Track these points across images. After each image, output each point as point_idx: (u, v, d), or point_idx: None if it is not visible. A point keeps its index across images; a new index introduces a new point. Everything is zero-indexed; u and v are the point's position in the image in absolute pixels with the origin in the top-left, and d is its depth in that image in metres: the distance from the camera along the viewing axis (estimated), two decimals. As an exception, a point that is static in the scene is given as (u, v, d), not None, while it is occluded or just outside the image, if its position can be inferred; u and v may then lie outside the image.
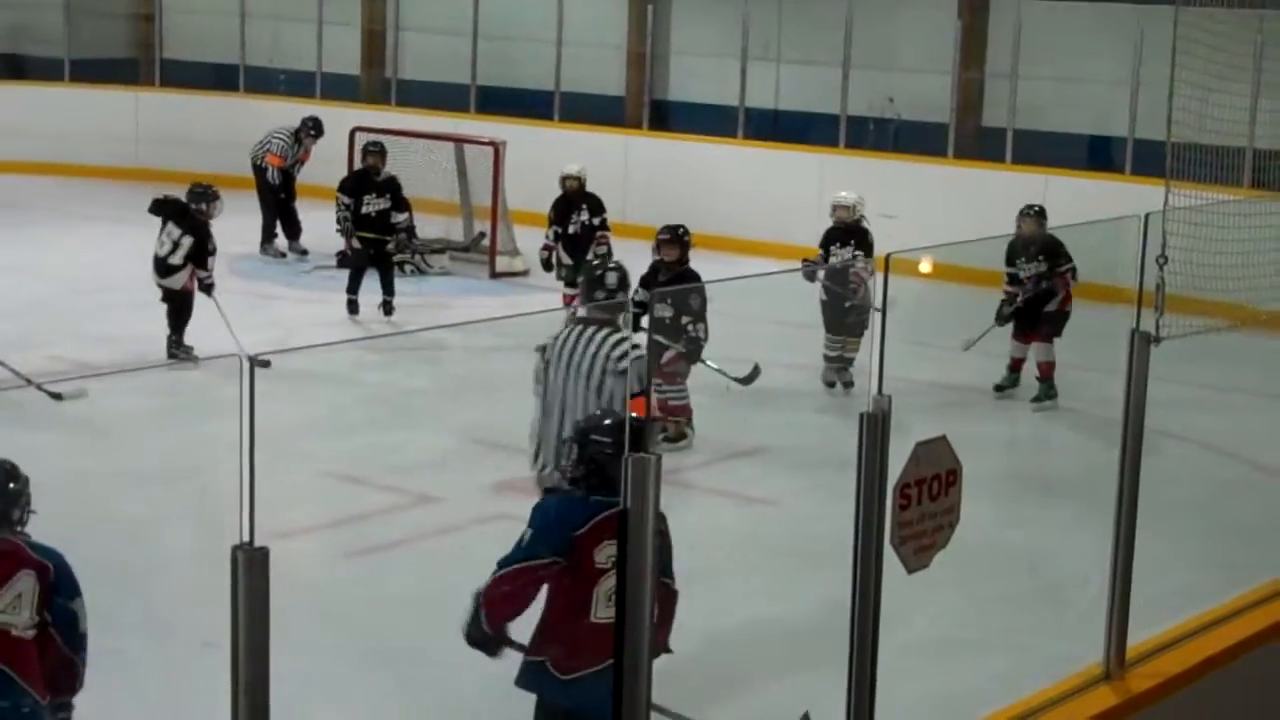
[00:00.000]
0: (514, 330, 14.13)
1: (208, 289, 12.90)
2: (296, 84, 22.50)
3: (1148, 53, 16.78)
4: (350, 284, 15.18)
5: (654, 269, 11.66)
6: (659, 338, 10.77)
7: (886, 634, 4.27)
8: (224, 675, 3.27)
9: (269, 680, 3.25)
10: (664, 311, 11.02)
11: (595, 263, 13.10)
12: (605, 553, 5.30)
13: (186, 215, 13.03)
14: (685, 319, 10.76)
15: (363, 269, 15.21)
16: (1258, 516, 9.51)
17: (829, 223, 13.81)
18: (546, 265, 14.89)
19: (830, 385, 13.11)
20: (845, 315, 12.91)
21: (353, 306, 15.09)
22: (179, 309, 12.98)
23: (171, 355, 12.65)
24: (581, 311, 8.78)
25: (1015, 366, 12.94)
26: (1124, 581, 5.20)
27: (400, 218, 15.39)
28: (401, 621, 8.02)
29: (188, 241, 12.88)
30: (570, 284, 14.51)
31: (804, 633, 7.99)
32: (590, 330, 8.00)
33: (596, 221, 14.83)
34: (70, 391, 9.86)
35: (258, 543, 3.22)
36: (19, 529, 5.40)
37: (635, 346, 8.10)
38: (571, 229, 14.80)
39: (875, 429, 4.17)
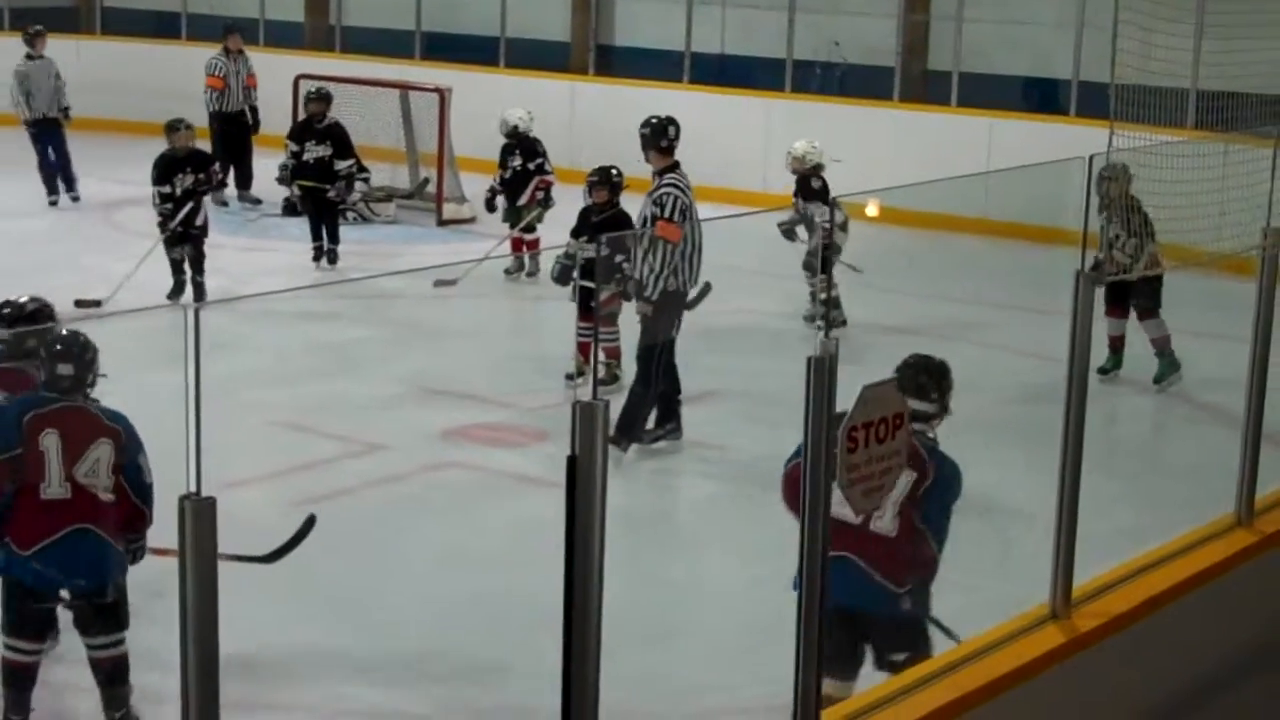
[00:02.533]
0: (458, 277, 14.15)
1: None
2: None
3: (1092, -7, 16.83)
4: (313, 232, 15.18)
5: (585, 212, 11.67)
6: (589, 283, 10.77)
7: (835, 576, 4.29)
8: (175, 626, 3.26)
9: (218, 630, 3.25)
10: (589, 253, 11.00)
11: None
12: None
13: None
14: (619, 258, 10.74)
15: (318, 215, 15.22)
16: (1200, 455, 9.59)
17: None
18: (488, 206, 15.21)
19: (808, 320, 13.33)
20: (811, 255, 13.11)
21: (316, 253, 15.10)
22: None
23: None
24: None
25: (1116, 346, 11.65)
26: (1069, 522, 5.24)
27: (343, 165, 15.32)
28: (351, 569, 8.02)
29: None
30: (512, 226, 15.06)
31: (754, 576, 8.03)
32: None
33: (533, 166, 14.99)
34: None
35: (205, 493, 3.21)
36: (90, 393, 6.36)
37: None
38: (507, 173, 15.06)
39: (822, 372, 4.18)
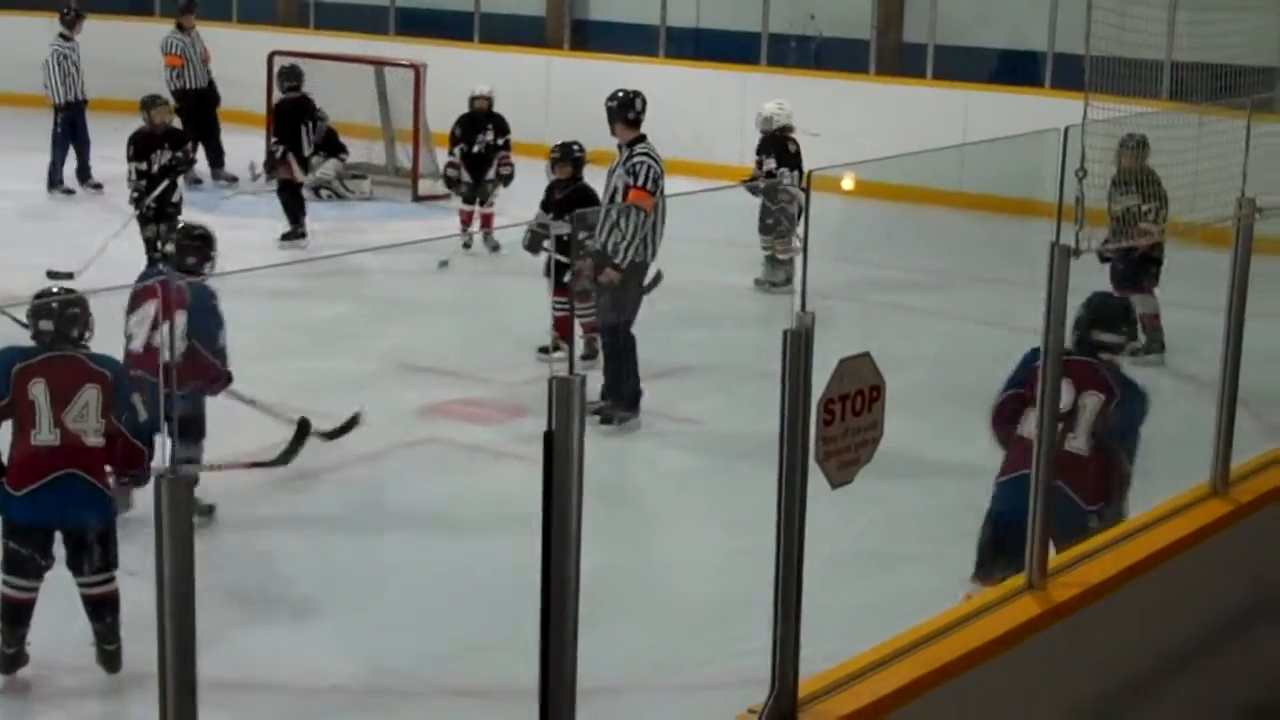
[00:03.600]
0: (437, 253, 14.14)
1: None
2: (212, 8, 22.18)
3: (1066, -34, 16.84)
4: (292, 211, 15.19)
5: (550, 188, 11.67)
6: (562, 258, 10.79)
7: (811, 550, 4.30)
8: (150, 603, 3.26)
9: (195, 607, 3.25)
10: (561, 229, 11.03)
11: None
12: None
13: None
14: (584, 235, 10.74)
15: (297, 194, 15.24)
16: (1177, 426, 9.60)
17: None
18: (452, 183, 15.22)
19: (759, 284, 13.53)
20: (770, 218, 13.39)
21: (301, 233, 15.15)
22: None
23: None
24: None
25: (1151, 324, 11.50)
26: (1046, 492, 5.25)
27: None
28: (328, 544, 8.02)
29: None
30: (469, 201, 15.06)
31: (730, 549, 8.04)
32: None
33: (500, 142, 15.09)
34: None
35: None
36: (81, 346, 6.76)
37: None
38: (476, 148, 15.08)
39: (799, 346, 4.18)
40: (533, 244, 11.36)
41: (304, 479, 9.21)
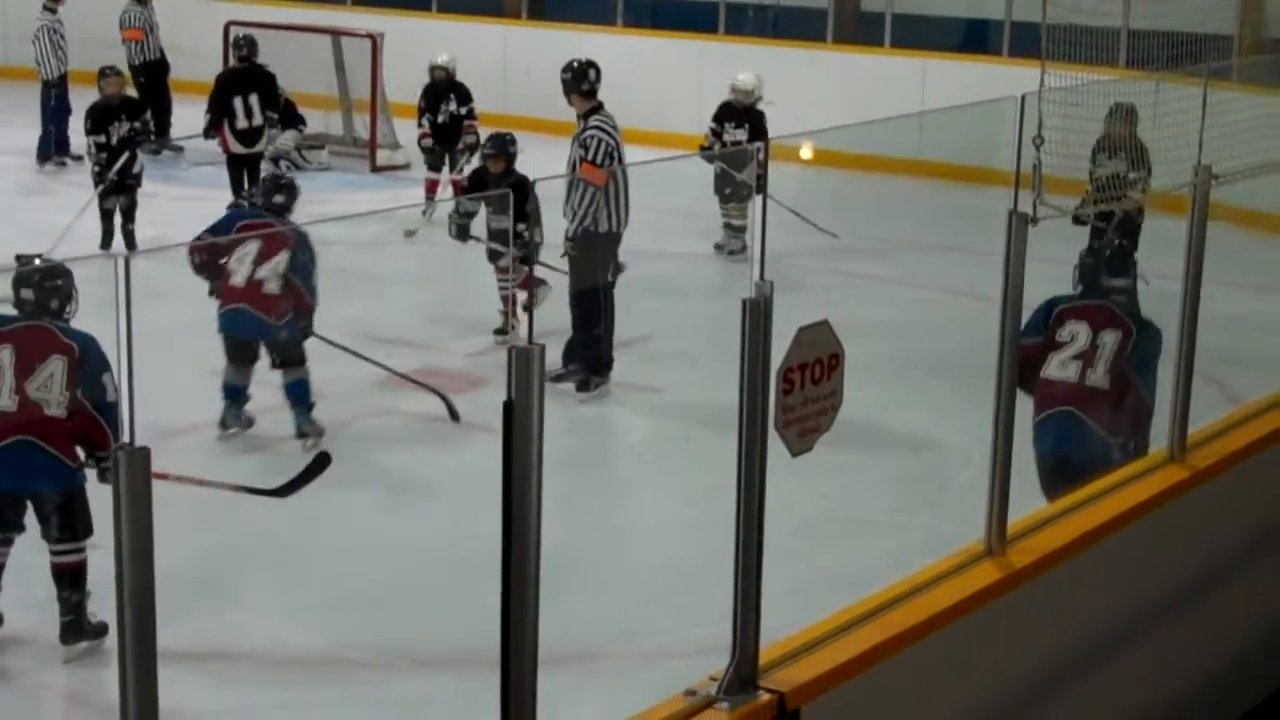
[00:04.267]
0: (398, 222, 14.10)
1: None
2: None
3: (1023, -67, 16.87)
4: (233, 186, 15.11)
5: (480, 180, 11.64)
6: (496, 245, 11.01)
7: (772, 519, 4.31)
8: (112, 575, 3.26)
9: (154, 583, 3.24)
10: (501, 223, 11.06)
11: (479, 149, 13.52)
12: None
13: None
14: (520, 226, 10.82)
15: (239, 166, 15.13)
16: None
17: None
18: (428, 153, 15.26)
19: (718, 249, 13.56)
20: (730, 185, 13.34)
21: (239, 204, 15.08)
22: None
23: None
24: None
25: None
26: (1004, 459, 5.27)
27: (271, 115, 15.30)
28: (292, 516, 8.01)
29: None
30: (434, 169, 15.15)
31: (691, 521, 8.07)
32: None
33: (464, 111, 15.15)
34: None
35: (139, 442, 3.20)
36: (58, 320, 6.81)
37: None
38: (440, 118, 15.15)
39: (758, 315, 4.19)
40: (460, 234, 11.38)
41: (266, 450, 9.20)
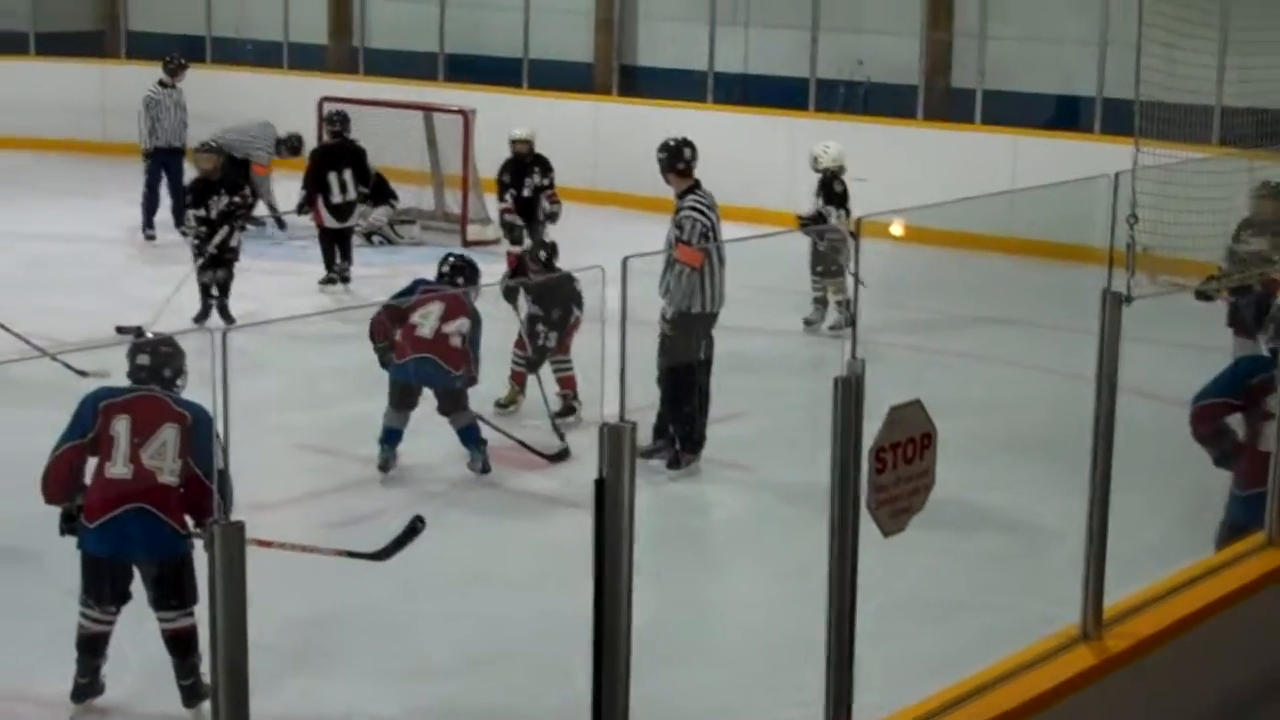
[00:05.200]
0: (487, 297, 14.15)
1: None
2: (263, 54, 22.39)
3: (1114, 11, 16.82)
4: (325, 258, 15.28)
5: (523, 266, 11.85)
6: (523, 329, 11.22)
7: (864, 597, 4.27)
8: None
9: (248, 654, 3.25)
10: (535, 313, 11.10)
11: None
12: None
13: None
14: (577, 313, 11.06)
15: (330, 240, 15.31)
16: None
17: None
18: (511, 228, 15.23)
19: (809, 324, 13.50)
20: (822, 261, 13.43)
21: (328, 279, 15.21)
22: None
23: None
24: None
25: None
26: (1099, 541, 5.21)
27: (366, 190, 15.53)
28: (377, 591, 8.02)
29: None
30: (517, 243, 15.00)
31: (781, 599, 8.02)
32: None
33: (545, 182, 15.21)
34: (95, 370, 9.81)
35: (235, 515, 3.22)
36: (170, 389, 6.95)
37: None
38: (526, 192, 15.17)
39: (849, 393, 4.17)
40: (508, 294, 11.47)
41: (354, 520, 9.23)
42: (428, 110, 18.59)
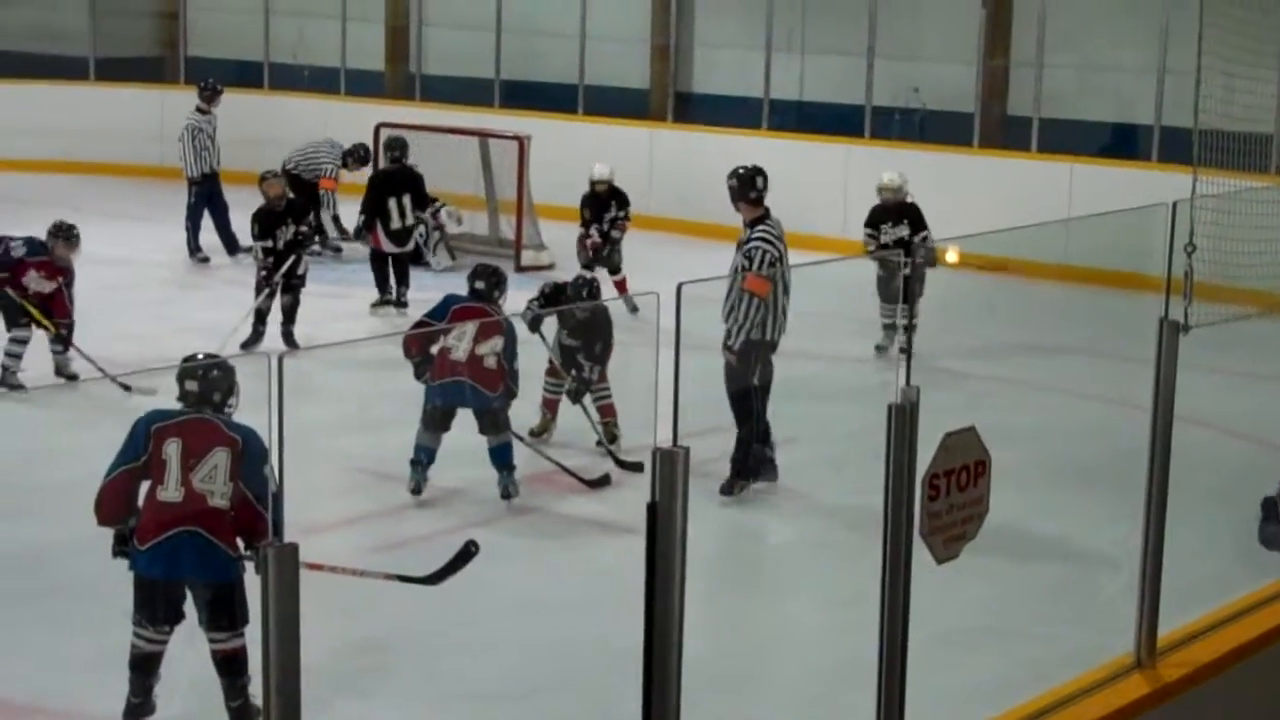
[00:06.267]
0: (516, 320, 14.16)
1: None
2: (321, 80, 22.51)
3: (1173, 39, 16.75)
4: (378, 281, 15.38)
5: (559, 292, 11.84)
6: (555, 359, 11.21)
7: (916, 625, 4.26)
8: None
9: (300, 675, 3.26)
10: (570, 343, 11.12)
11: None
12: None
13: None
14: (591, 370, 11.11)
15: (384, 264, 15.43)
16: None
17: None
18: (599, 255, 15.42)
19: (882, 350, 13.59)
20: (896, 285, 13.24)
21: (381, 302, 15.31)
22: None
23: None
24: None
25: None
26: (1154, 570, 5.19)
27: (422, 214, 15.64)
28: (426, 615, 8.03)
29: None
30: (589, 269, 15.21)
31: (833, 626, 7.99)
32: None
33: (623, 214, 15.54)
34: (141, 387, 9.91)
35: (287, 538, 3.23)
36: (220, 412, 6.98)
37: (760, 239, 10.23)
38: (606, 227, 15.49)
39: (904, 420, 4.16)
40: (533, 323, 11.45)
41: (403, 544, 9.25)
42: (483, 136, 18.65)
